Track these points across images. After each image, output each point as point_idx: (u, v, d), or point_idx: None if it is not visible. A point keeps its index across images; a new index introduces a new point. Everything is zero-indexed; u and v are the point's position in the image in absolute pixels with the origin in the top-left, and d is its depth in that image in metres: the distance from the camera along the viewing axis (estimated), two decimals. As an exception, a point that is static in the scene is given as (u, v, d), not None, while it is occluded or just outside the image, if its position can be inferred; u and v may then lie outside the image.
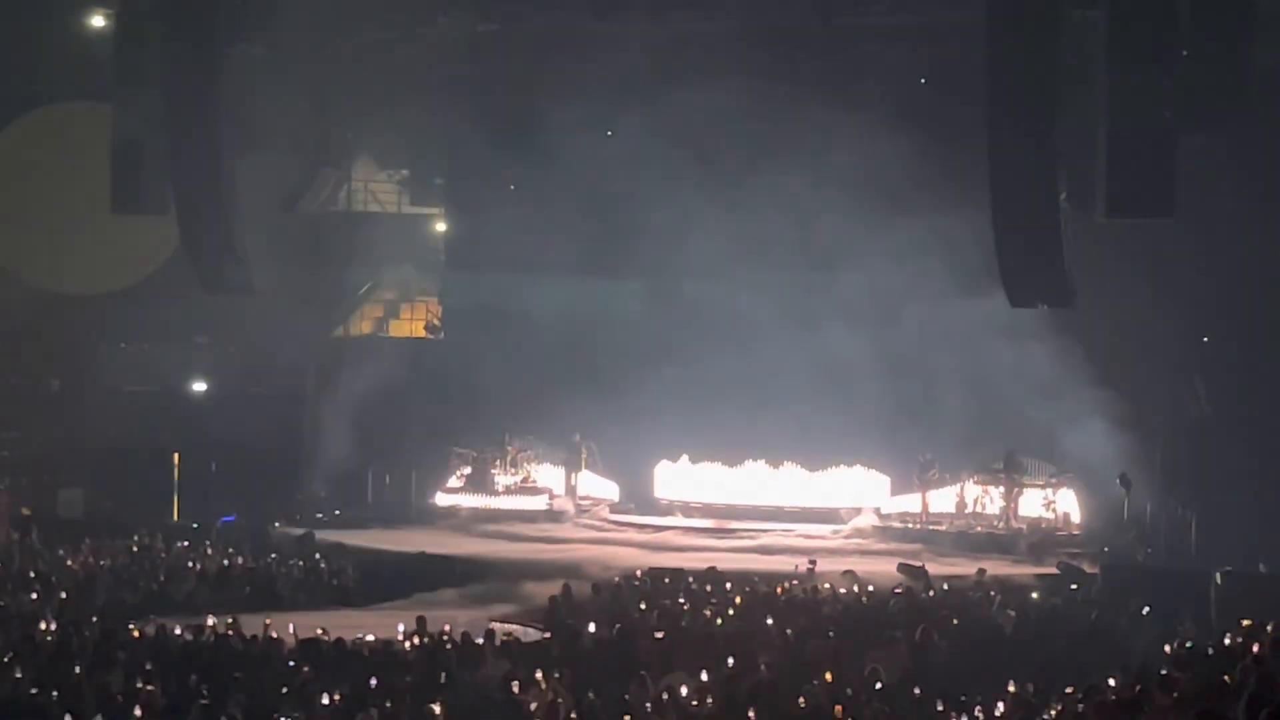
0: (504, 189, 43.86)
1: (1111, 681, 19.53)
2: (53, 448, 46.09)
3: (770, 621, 26.86)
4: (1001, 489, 39.16)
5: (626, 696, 21.38)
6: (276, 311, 43.85)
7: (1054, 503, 38.78)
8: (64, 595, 30.48)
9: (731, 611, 28.12)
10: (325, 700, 20.99)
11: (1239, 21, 33.96)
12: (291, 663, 23.49)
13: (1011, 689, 20.56)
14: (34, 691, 21.47)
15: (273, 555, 35.95)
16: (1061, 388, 36.86)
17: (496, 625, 27.54)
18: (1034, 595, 29.59)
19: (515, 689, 21.71)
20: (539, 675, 22.02)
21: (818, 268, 40.13)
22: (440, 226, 47.85)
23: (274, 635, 25.19)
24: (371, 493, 44.48)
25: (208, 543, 37.33)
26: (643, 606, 28.78)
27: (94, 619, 27.59)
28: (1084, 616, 28.57)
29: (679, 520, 41.29)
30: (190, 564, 34.41)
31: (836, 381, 38.51)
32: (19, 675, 22.20)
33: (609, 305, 41.62)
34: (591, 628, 26.36)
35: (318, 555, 36.15)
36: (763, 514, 40.94)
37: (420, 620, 26.06)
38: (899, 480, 40.53)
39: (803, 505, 41.05)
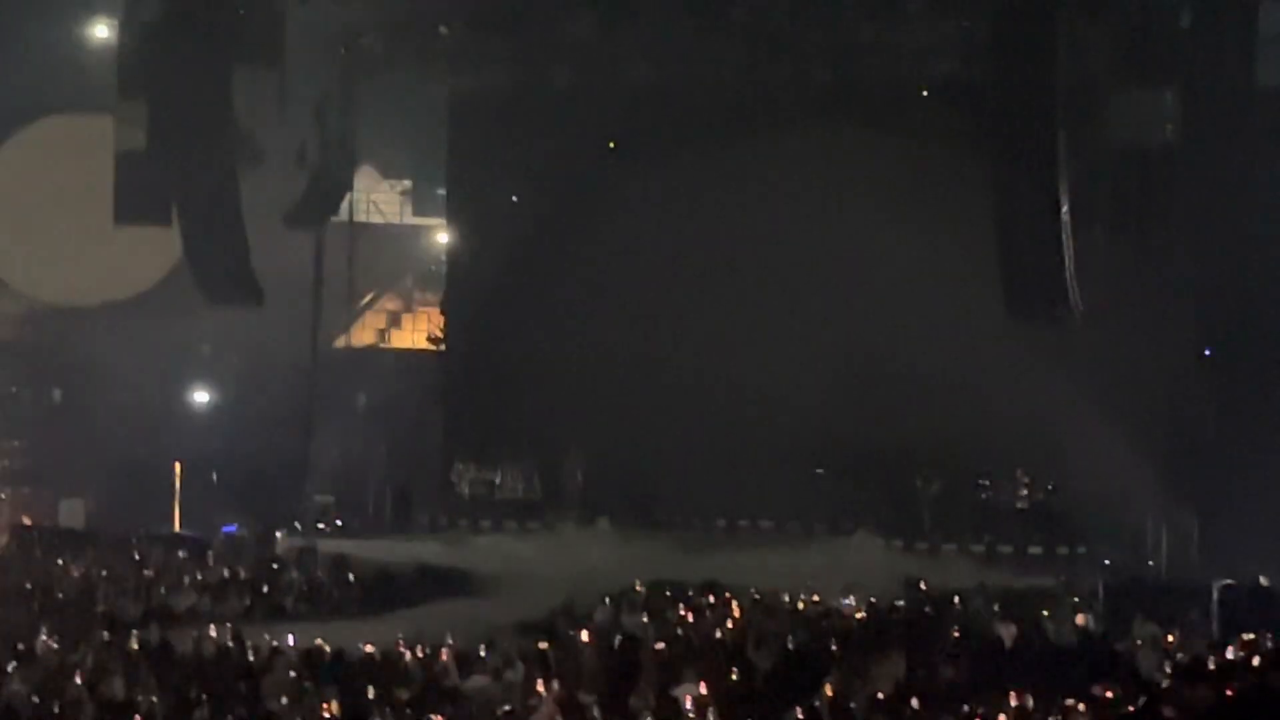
0: (506, 200, 43.94)
1: (1111, 694, 19.52)
2: (54, 458, 46.11)
3: (770, 633, 26.86)
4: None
5: (627, 708, 21.41)
6: (278, 322, 43.87)
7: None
8: (65, 606, 30.47)
9: (731, 623, 28.13)
10: (326, 712, 21.00)
11: (1242, 39, 34.12)
12: (293, 674, 23.50)
13: (1013, 701, 20.56)
14: (35, 702, 21.48)
15: (274, 566, 35.94)
16: (1062, 398, 36.88)
17: (497, 637, 27.50)
18: (1045, 614, 29.61)
19: (516, 700, 21.74)
20: (540, 686, 22.04)
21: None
22: (443, 237, 47.90)
23: (275, 646, 25.20)
24: (373, 504, 44.44)
25: (209, 553, 37.33)
26: (643, 618, 28.79)
27: (95, 630, 27.60)
28: (1085, 629, 28.58)
29: (679, 532, 41.25)
30: (192, 574, 34.41)
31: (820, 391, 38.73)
32: (20, 686, 22.21)
33: (611, 321, 41.60)
34: (592, 639, 26.39)
35: (319, 566, 36.14)
36: (765, 528, 41.03)
37: (422, 632, 26.12)
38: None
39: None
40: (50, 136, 44.35)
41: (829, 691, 21.88)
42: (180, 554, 36.96)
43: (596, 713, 21.07)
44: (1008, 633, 27.34)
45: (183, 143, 39.95)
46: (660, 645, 25.59)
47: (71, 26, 43.66)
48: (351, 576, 35.21)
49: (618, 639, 26.15)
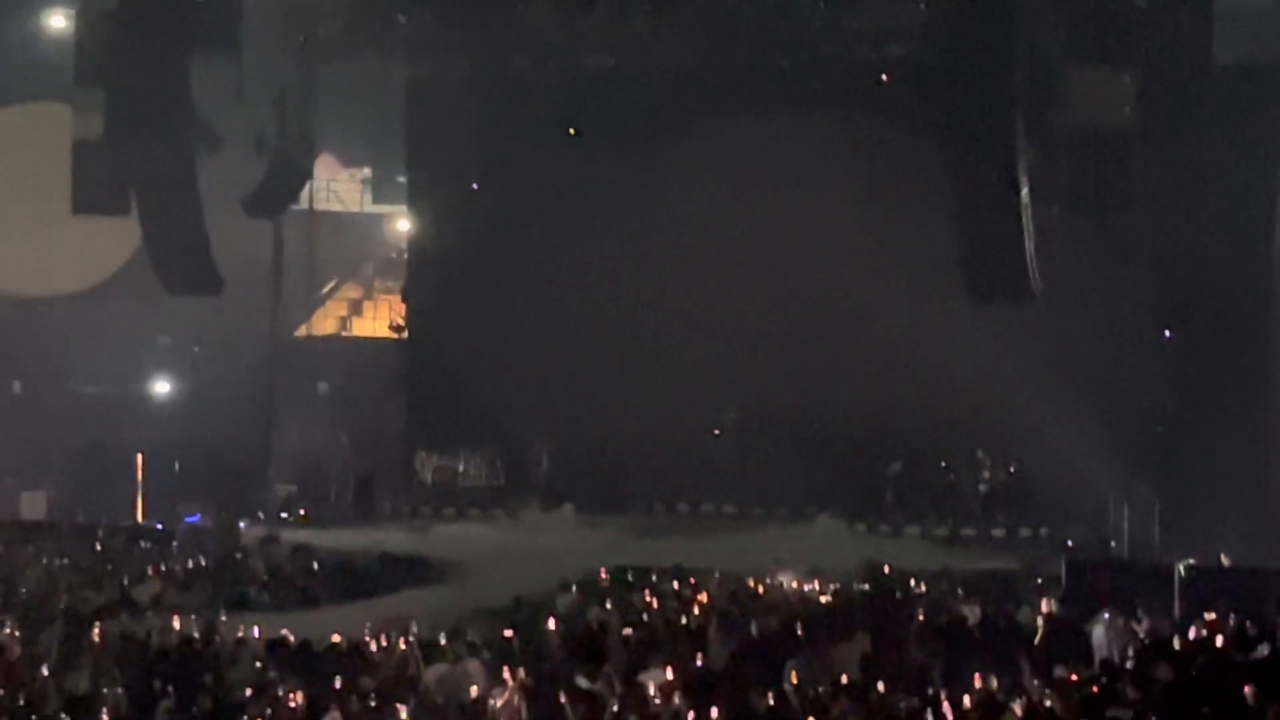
0: (466, 188, 43.89)
1: (1076, 676, 19.57)
2: (15, 450, 45.91)
3: (735, 618, 26.88)
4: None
5: (592, 694, 21.40)
6: (239, 311, 43.78)
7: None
8: (28, 598, 30.36)
9: (696, 609, 28.16)
10: (291, 702, 20.96)
11: (1199, 19, 34.25)
12: (257, 664, 23.46)
13: (977, 683, 20.60)
14: (-1, 695, 21.42)
15: (238, 555, 35.87)
16: (1023, 378, 36.97)
17: (462, 625, 27.48)
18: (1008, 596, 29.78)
19: (480, 688, 21.72)
20: (504, 674, 22.03)
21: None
22: (403, 225, 47.83)
23: (239, 636, 25.15)
24: (336, 493, 44.39)
25: (173, 543, 37.24)
26: (608, 604, 28.80)
27: (59, 621, 27.50)
28: (1048, 611, 28.66)
29: (643, 517, 41.31)
30: (155, 565, 34.30)
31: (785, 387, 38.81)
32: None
33: (573, 306, 41.61)
34: (557, 625, 26.39)
35: (283, 556, 36.08)
36: (728, 513, 41.12)
37: (386, 620, 26.08)
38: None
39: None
40: (7, 126, 44.14)
41: (794, 676, 21.92)
42: (143, 545, 36.85)
43: (562, 699, 21.05)
44: (972, 615, 27.41)
45: (141, 131, 39.76)
46: (625, 631, 25.61)
47: (28, 16, 43.45)
48: (315, 565, 35.15)
49: (582, 625, 26.14)
